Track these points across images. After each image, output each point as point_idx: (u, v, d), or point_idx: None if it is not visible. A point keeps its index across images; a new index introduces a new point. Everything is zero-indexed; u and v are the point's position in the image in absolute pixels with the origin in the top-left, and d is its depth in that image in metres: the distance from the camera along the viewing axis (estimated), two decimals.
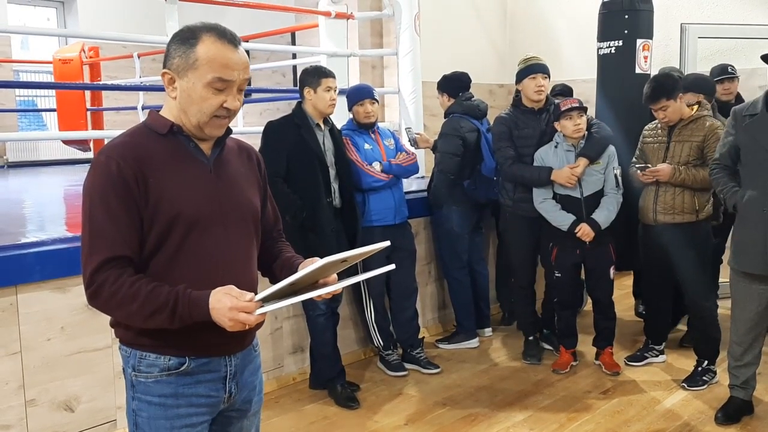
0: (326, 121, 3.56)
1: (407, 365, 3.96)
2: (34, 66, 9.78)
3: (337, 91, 3.55)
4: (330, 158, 3.52)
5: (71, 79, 7.80)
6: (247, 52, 6.31)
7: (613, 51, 4.52)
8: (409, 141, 4.44)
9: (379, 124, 4.02)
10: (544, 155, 3.88)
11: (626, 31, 4.47)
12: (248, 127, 4.42)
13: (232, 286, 1.48)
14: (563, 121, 3.76)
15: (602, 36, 4.60)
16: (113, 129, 7.24)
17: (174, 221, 1.54)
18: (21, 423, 2.81)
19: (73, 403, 2.97)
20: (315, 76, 3.49)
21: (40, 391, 2.87)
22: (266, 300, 1.46)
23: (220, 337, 1.57)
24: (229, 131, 1.68)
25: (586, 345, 4.15)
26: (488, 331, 4.57)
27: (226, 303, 1.45)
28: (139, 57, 7.58)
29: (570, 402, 3.54)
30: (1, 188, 7.03)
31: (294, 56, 6.98)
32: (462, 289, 4.38)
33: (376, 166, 3.83)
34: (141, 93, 7.24)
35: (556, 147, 3.86)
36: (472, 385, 3.79)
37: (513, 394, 3.66)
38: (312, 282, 1.55)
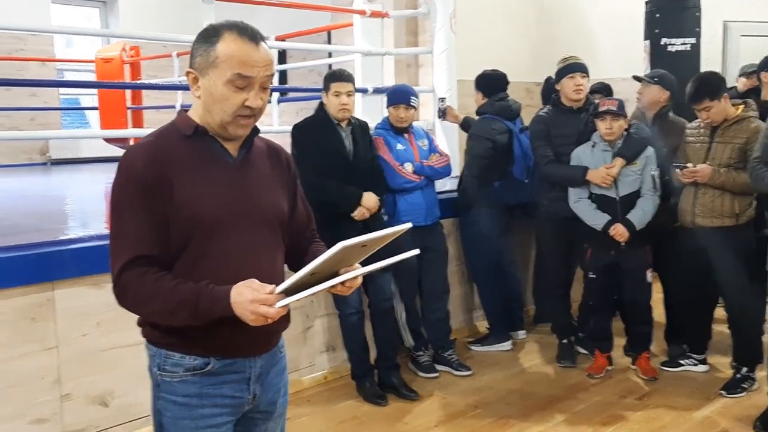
0: (349, 121, 3.56)
1: (438, 367, 3.94)
2: (78, 65, 10.00)
3: (353, 93, 3.52)
4: (351, 158, 3.51)
5: (113, 78, 7.94)
6: (284, 51, 6.37)
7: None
8: (438, 111, 4.39)
9: (414, 124, 3.99)
10: (581, 155, 3.83)
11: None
12: (285, 126, 4.42)
13: (253, 279, 1.47)
14: (598, 121, 3.72)
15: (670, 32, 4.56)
16: (152, 127, 7.37)
17: (197, 223, 1.54)
18: (56, 417, 2.87)
19: (107, 398, 3.01)
20: (327, 80, 3.52)
21: (75, 385, 2.92)
22: (287, 292, 1.44)
23: (245, 338, 1.56)
24: (256, 131, 1.67)
25: (621, 349, 4.07)
26: (522, 333, 4.51)
27: (247, 296, 1.44)
28: (177, 56, 7.69)
29: (604, 407, 3.47)
30: (43, 185, 7.21)
31: (330, 55, 6.99)
32: (492, 292, 4.33)
33: (408, 166, 3.81)
34: (179, 92, 7.33)
35: (593, 147, 3.80)
36: (504, 388, 3.75)
37: (546, 398, 3.61)
38: (334, 272, 1.50)
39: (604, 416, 3.37)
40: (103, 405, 3.00)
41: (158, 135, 1.62)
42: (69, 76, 10.05)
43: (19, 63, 8.75)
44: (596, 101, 3.86)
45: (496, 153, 4.12)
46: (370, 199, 3.46)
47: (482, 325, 4.61)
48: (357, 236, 1.44)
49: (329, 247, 1.42)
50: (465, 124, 4.60)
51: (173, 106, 7.17)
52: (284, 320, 1.66)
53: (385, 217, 3.76)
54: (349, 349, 3.68)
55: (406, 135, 3.89)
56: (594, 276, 3.88)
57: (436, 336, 3.99)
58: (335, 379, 3.82)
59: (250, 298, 1.44)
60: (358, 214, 3.43)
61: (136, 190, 1.52)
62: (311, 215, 1.85)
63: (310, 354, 3.80)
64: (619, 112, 3.67)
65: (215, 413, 1.62)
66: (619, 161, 3.68)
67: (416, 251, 1.59)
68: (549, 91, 4.48)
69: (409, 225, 1.57)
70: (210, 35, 1.56)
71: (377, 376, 3.66)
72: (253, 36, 1.56)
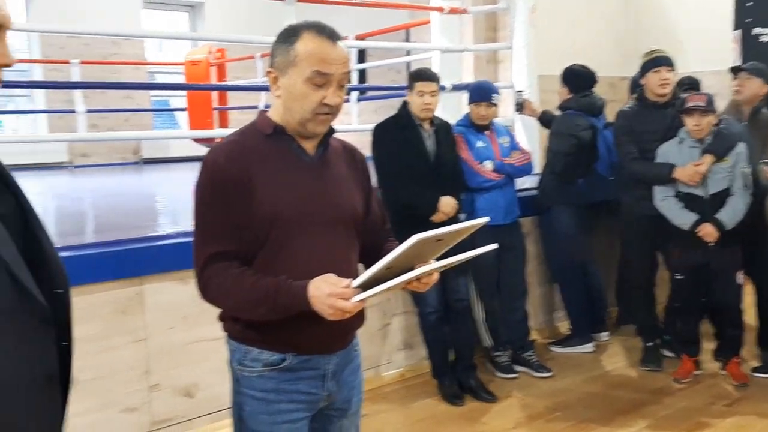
0: (432, 121, 3.53)
1: (517, 367, 3.88)
2: (168, 68, 10.41)
3: (438, 93, 3.48)
4: (432, 159, 3.48)
5: (200, 80, 8.23)
6: (363, 50, 6.44)
7: None
8: (516, 104, 4.32)
9: (495, 120, 3.94)
10: (667, 151, 3.69)
11: None
12: (363, 124, 4.46)
13: (331, 274, 1.49)
14: (685, 117, 3.57)
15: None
16: (237, 127, 7.57)
17: (275, 220, 1.57)
18: (145, 407, 3.00)
19: (192, 390, 3.13)
20: (412, 78, 3.50)
21: (162, 377, 3.04)
22: (364, 286, 1.45)
23: (321, 334, 1.59)
24: (332, 131, 1.69)
25: (709, 353, 3.91)
26: (605, 335, 4.39)
27: (325, 290, 1.46)
28: (261, 57, 7.88)
29: (691, 413, 3.34)
30: (135, 183, 7.55)
31: (408, 53, 7.01)
32: (574, 292, 4.24)
33: (488, 164, 3.77)
34: (262, 93, 7.51)
35: (680, 143, 3.66)
36: (586, 391, 3.66)
37: (629, 402, 3.50)
38: (409, 267, 1.49)
39: (691, 423, 3.24)
40: (189, 396, 3.12)
41: (240, 134, 1.67)
42: (159, 79, 10.49)
43: (114, 66, 9.19)
44: (683, 96, 3.71)
45: (580, 150, 4.02)
46: (447, 204, 3.42)
47: (563, 326, 4.52)
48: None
49: None
50: (544, 118, 4.51)
51: (256, 107, 7.36)
52: (359, 318, 1.68)
53: (463, 216, 3.74)
54: (428, 347, 3.67)
55: (486, 132, 3.84)
56: (681, 277, 3.73)
57: (515, 336, 3.94)
58: (413, 377, 3.83)
59: (328, 291, 1.45)
60: (437, 218, 3.40)
61: (218, 188, 1.57)
62: (386, 216, 1.86)
63: (388, 351, 3.82)
64: (708, 108, 3.52)
65: (291, 409, 1.65)
66: (708, 158, 3.53)
67: (494, 246, 1.57)
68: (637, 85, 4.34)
69: (486, 219, 1.54)
70: (289, 35, 1.60)
71: (461, 380, 3.63)
72: (331, 35, 1.59)
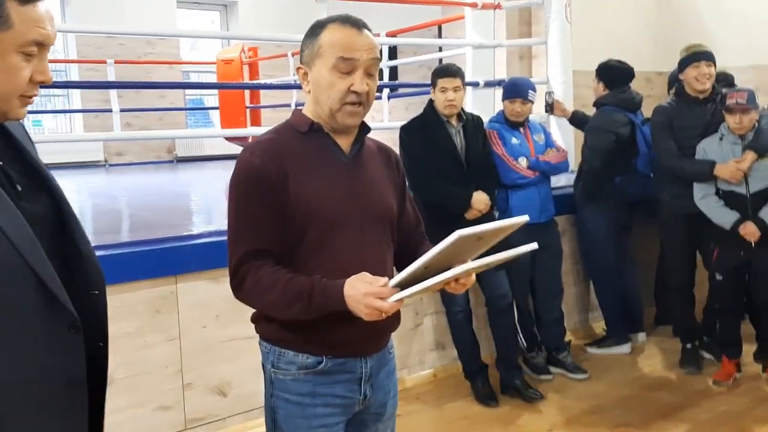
0: (460, 117, 3.49)
1: (552, 369, 3.82)
2: (201, 66, 10.50)
3: (461, 89, 3.42)
4: (462, 156, 3.44)
5: (233, 79, 8.27)
6: (395, 48, 6.37)
7: None
8: (546, 105, 4.24)
9: (530, 117, 3.88)
10: (707, 148, 3.60)
11: None
12: (394, 122, 4.42)
13: (366, 273, 1.46)
14: (726, 114, 3.48)
15: None
16: (269, 125, 7.61)
17: (311, 219, 1.56)
18: (179, 405, 3.01)
19: (225, 388, 3.14)
20: (434, 75, 3.45)
21: (196, 375, 3.05)
22: (401, 286, 1.41)
23: (357, 336, 1.57)
24: (366, 129, 1.67)
25: (751, 356, 3.81)
26: (642, 336, 4.31)
27: (361, 289, 1.43)
28: (292, 56, 7.89)
29: (732, 418, 3.25)
30: (169, 181, 7.62)
31: (440, 49, 6.95)
32: (610, 292, 4.16)
33: (523, 161, 3.71)
34: (294, 91, 7.52)
35: (721, 139, 3.56)
36: (623, 393, 3.59)
37: (668, 406, 3.42)
38: (447, 267, 1.44)
39: (732, 427, 3.16)
40: (222, 395, 3.13)
41: (275, 132, 1.66)
42: (193, 77, 10.59)
43: (149, 66, 9.29)
44: (724, 91, 3.61)
45: (619, 146, 3.94)
46: (480, 200, 3.38)
47: (599, 327, 4.44)
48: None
49: None
50: (575, 119, 4.42)
51: (289, 105, 7.37)
52: (395, 320, 1.66)
53: (497, 214, 3.69)
54: (458, 347, 3.64)
55: (521, 129, 3.78)
56: (721, 278, 3.64)
57: (550, 337, 3.87)
58: (445, 378, 3.80)
59: (364, 291, 1.42)
60: (470, 215, 3.37)
61: (252, 187, 1.55)
62: (420, 217, 1.83)
63: (420, 351, 3.79)
64: (749, 105, 3.41)
65: (327, 413, 1.63)
66: (750, 155, 3.43)
67: (534, 245, 1.51)
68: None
69: (525, 218, 1.48)
70: (315, 29, 1.60)
71: (499, 378, 3.60)
72: (355, 23, 1.58)
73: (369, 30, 1.60)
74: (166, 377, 2.98)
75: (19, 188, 1.21)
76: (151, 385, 2.94)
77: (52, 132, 9.50)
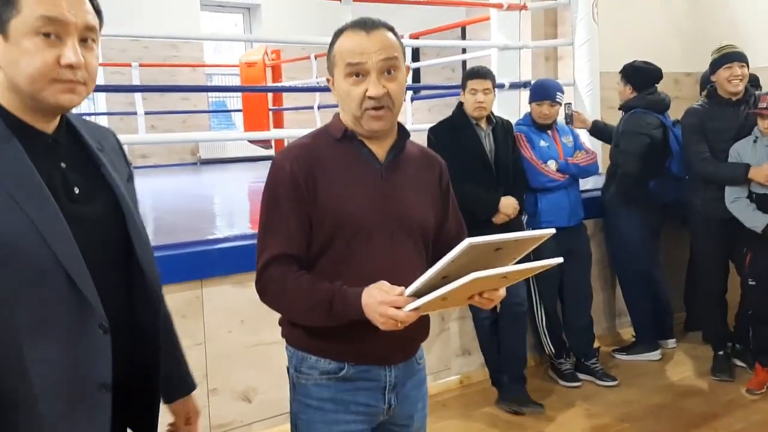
0: (490, 120, 3.44)
1: (581, 376, 3.75)
2: (225, 69, 10.54)
3: (491, 91, 3.37)
4: (491, 159, 3.39)
5: (256, 81, 8.30)
6: (417, 49, 6.30)
7: None
8: (565, 117, 4.17)
9: (558, 119, 3.82)
10: (740, 150, 3.53)
11: None
12: (417, 124, 4.40)
13: (384, 282, 1.43)
14: (759, 118, 3.41)
15: None
16: (292, 128, 7.61)
17: (337, 226, 1.54)
18: (204, 411, 2.95)
19: (250, 394, 3.12)
20: (464, 77, 3.41)
21: (221, 381, 3.04)
22: (418, 295, 1.36)
23: (378, 344, 1.54)
24: (405, 135, 1.64)
25: None
26: (671, 342, 4.22)
27: (377, 297, 1.40)
28: (315, 58, 7.90)
29: (766, 427, 3.17)
30: (193, 184, 7.64)
31: (464, 51, 6.91)
32: (641, 297, 4.08)
33: (552, 164, 3.66)
34: (317, 93, 7.52)
35: (755, 142, 3.50)
36: (653, 402, 3.51)
37: (699, 415, 3.34)
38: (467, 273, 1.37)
39: None
40: (247, 401, 3.11)
41: (311, 137, 1.64)
42: (216, 80, 10.63)
43: (173, 68, 9.35)
44: (757, 93, 3.53)
45: (653, 149, 3.86)
46: (508, 205, 3.33)
47: (626, 333, 4.37)
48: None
49: None
50: (595, 129, 4.32)
51: (311, 107, 7.37)
52: (421, 329, 1.63)
53: (525, 218, 3.64)
54: (485, 354, 3.60)
55: (549, 131, 3.73)
56: (754, 283, 3.56)
57: (579, 343, 3.81)
58: (471, 384, 3.75)
59: (379, 299, 1.39)
60: (498, 219, 3.32)
61: (282, 191, 1.55)
62: (463, 229, 1.76)
63: (446, 357, 3.75)
64: None
65: (348, 420, 1.60)
66: None
67: (559, 259, 1.45)
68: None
69: (552, 231, 1.43)
70: (334, 37, 1.58)
71: (499, 386, 3.53)
72: (364, 24, 1.54)
73: (388, 29, 1.56)
74: None
75: (77, 191, 1.24)
76: None
77: None
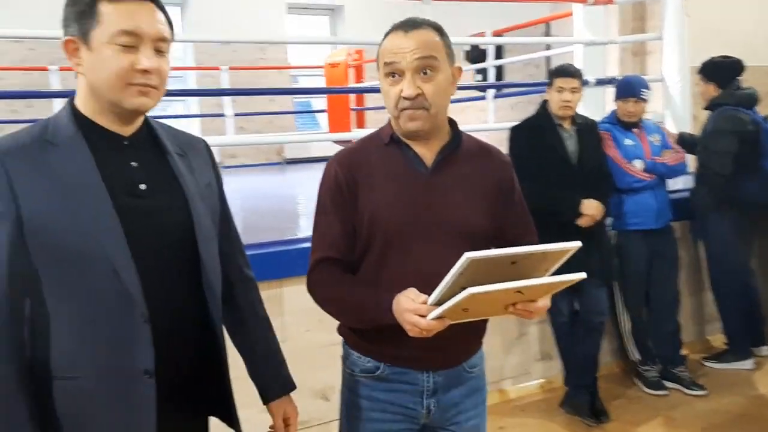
0: (574, 120, 3.35)
1: (667, 384, 3.61)
2: (310, 70, 10.73)
3: (579, 90, 3.27)
4: (574, 161, 3.29)
5: (339, 82, 8.41)
6: (500, 47, 6.20)
7: None
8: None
9: (644, 117, 3.69)
10: None
11: None
12: (499, 123, 4.32)
13: (412, 289, 1.41)
14: None
15: None
16: (374, 128, 7.67)
17: (373, 232, 1.55)
18: None
19: (328, 392, 3.16)
20: (551, 75, 3.32)
21: (300, 379, 3.03)
22: (440, 303, 1.33)
23: (415, 350, 1.53)
24: (457, 135, 1.61)
25: None
26: (765, 349, 3.99)
27: (403, 304, 1.40)
28: None
29: None
30: (278, 184, 7.83)
31: (548, 47, 6.76)
32: (733, 303, 3.88)
33: (638, 164, 3.53)
34: None
35: None
36: (744, 413, 3.34)
37: None
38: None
39: None
40: (324, 399, 3.16)
41: (362, 141, 1.67)
42: (302, 81, 10.84)
43: (260, 71, 9.59)
44: None
45: (746, 147, 3.67)
46: (590, 206, 3.21)
47: (716, 340, 4.17)
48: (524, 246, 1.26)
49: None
50: (682, 141, 4.11)
51: None
52: (468, 340, 1.64)
53: (609, 221, 3.54)
54: (564, 359, 3.51)
55: (635, 130, 3.60)
56: None
57: (665, 350, 3.66)
58: (552, 389, 3.66)
59: (405, 307, 1.39)
60: (583, 222, 3.21)
61: (329, 195, 1.59)
62: (528, 229, 1.72)
63: (525, 362, 3.68)
64: None
65: (386, 418, 1.63)
66: None
67: (582, 275, 1.33)
68: None
69: (578, 244, 1.31)
70: (382, 39, 1.59)
71: (565, 395, 3.45)
72: (405, 25, 1.53)
73: (434, 28, 1.53)
74: None
75: (143, 187, 1.33)
76: (255, 388, 3.00)
77: None
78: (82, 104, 1.33)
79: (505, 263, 1.27)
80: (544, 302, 1.38)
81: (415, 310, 1.37)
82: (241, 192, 6.71)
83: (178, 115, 10.04)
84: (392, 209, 1.54)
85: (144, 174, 1.35)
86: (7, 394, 1.24)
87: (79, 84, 1.33)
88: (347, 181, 1.57)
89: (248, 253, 2.99)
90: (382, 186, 1.56)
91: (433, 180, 1.57)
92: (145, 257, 1.29)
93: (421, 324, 1.36)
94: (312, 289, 1.63)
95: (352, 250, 1.58)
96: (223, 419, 1.56)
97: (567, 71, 3.27)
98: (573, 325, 3.40)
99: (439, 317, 1.33)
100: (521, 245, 1.64)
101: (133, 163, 1.35)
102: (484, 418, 1.73)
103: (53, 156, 1.26)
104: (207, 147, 1.53)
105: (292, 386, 1.65)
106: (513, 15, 6.88)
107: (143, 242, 1.29)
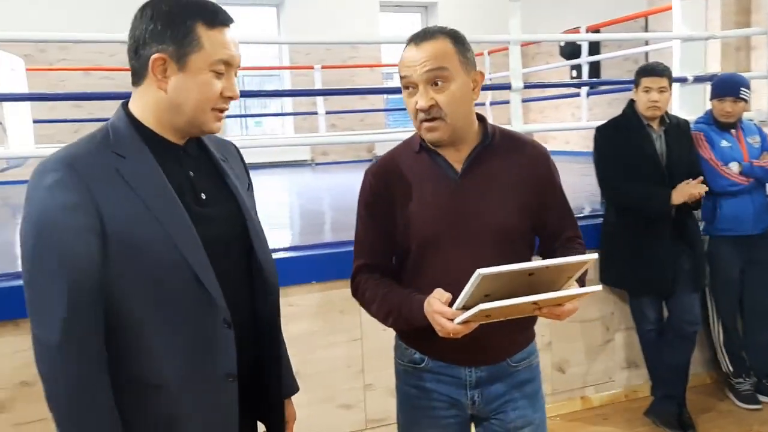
0: (663, 120, 3.21)
1: (762, 398, 3.43)
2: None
3: (668, 90, 3.13)
4: (662, 162, 3.15)
5: None
6: (597, 43, 6.02)
7: None
8: None
9: (746, 117, 3.49)
10: None
11: None
12: (593, 121, 4.17)
13: (441, 290, 1.43)
14: None
15: None
16: None
17: (411, 240, 1.59)
18: (360, 404, 3.11)
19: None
20: (638, 74, 3.19)
21: (376, 377, 3.13)
22: (466, 308, 1.33)
23: (454, 346, 1.53)
24: (486, 137, 1.61)
25: None
26: None
27: (432, 306, 1.43)
28: (489, 54, 7.84)
29: None
30: None
31: (646, 43, 6.51)
32: None
33: (734, 166, 3.35)
34: (489, 91, 7.46)
35: None
36: None
37: None
38: (517, 294, 1.31)
39: None
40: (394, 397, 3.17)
41: (396, 149, 1.70)
42: (395, 77, 10.90)
43: (352, 69, 9.73)
44: None
45: None
46: (681, 190, 3.04)
47: None
48: (585, 254, 1.28)
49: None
50: None
51: (483, 104, 7.32)
52: (511, 339, 1.64)
53: (702, 224, 3.38)
54: (649, 367, 3.38)
55: (733, 131, 3.42)
56: None
57: (760, 362, 3.47)
58: (637, 399, 3.54)
59: (434, 309, 1.42)
60: (675, 200, 3.03)
61: (366, 202, 1.66)
62: (568, 220, 1.70)
63: (610, 369, 3.57)
64: None
65: (434, 407, 1.68)
66: None
67: (598, 287, 1.36)
68: None
69: (594, 256, 1.35)
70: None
71: (652, 405, 3.32)
72: (416, 36, 1.55)
73: (450, 37, 1.53)
74: (349, 376, 3.09)
75: (203, 196, 1.38)
76: (334, 383, 3.07)
77: (270, 131, 10.31)
78: (142, 114, 1.34)
79: (522, 275, 1.29)
80: (572, 305, 1.40)
81: (443, 312, 1.40)
82: (331, 189, 6.85)
83: (275, 113, 10.35)
84: (425, 217, 1.58)
85: (202, 182, 1.39)
86: (93, 394, 1.24)
87: (145, 95, 1.34)
88: (381, 192, 1.62)
89: (329, 251, 3.11)
90: (414, 195, 1.60)
91: (464, 184, 1.59)
92: (216, 264, 1.33)
93: (447, 327, 1.39)
94: (355, 293, 1.71)
95: (390, 257, 1.66)
96: (271, 427, 1.54)
97: (654, 70, 3.14)
98: (662, 333, 3.28)
99: (465, 322, 1.36)
100: (561, 241, 1.64)
101: (191, 173, 1.39)
102: (537, 408, 1.72)
103: (125, 167, 1.28)
104: (238, 150, 1.58)
105: (294, 389, 1.66)
106: (610, 10, 6.67)
107: (213, 249, 1.33)
